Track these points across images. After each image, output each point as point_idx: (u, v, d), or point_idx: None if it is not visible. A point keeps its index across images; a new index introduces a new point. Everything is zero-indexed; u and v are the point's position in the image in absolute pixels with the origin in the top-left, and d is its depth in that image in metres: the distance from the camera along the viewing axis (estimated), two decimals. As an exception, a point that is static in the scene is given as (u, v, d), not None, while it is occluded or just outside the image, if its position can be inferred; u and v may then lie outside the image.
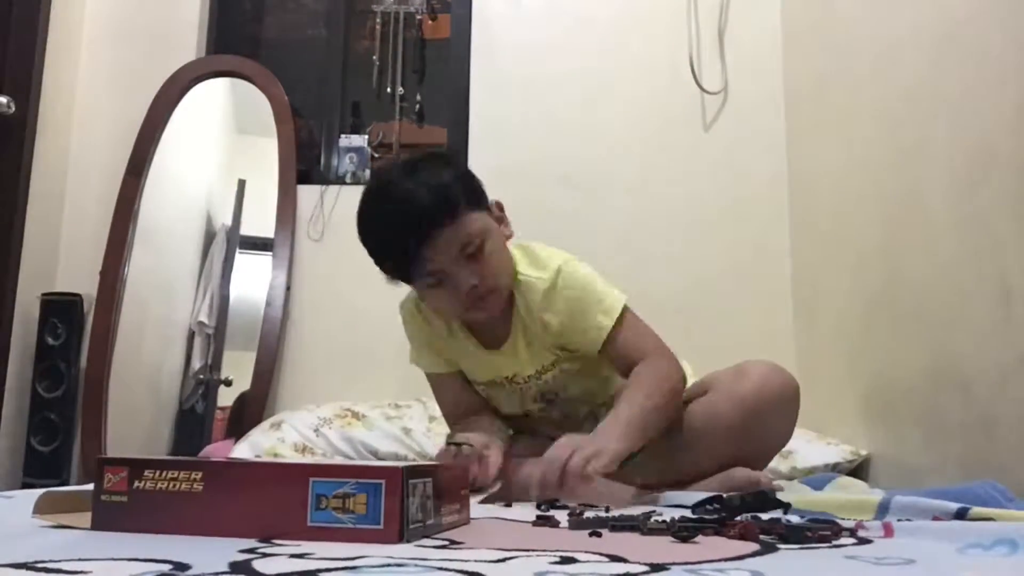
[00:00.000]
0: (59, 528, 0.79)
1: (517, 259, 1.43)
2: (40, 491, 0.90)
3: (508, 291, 1.39)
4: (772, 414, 1.36)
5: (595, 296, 1.40)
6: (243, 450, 2.08)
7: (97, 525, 0.77)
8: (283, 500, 0.73)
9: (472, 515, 0.91)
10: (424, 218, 1.27)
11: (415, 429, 2.10)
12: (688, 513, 0.96)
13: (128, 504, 0.77)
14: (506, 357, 1.44)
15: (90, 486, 0.80)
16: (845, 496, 1.26)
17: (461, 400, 1.52)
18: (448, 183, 1.31)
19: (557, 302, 1.39)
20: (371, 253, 1.34)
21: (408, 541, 0.71)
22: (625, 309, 1.41)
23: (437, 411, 1.68)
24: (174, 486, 0.76)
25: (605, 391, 1.50)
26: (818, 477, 1.79)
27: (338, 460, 1.93)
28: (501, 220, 1.41)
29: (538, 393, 1.48)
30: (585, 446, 1.15)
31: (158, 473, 0.77)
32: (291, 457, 2.01)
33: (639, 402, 1.28)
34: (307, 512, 0.72)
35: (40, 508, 0.83)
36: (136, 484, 0.77)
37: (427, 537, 0.75)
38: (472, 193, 1.34)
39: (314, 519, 0.72)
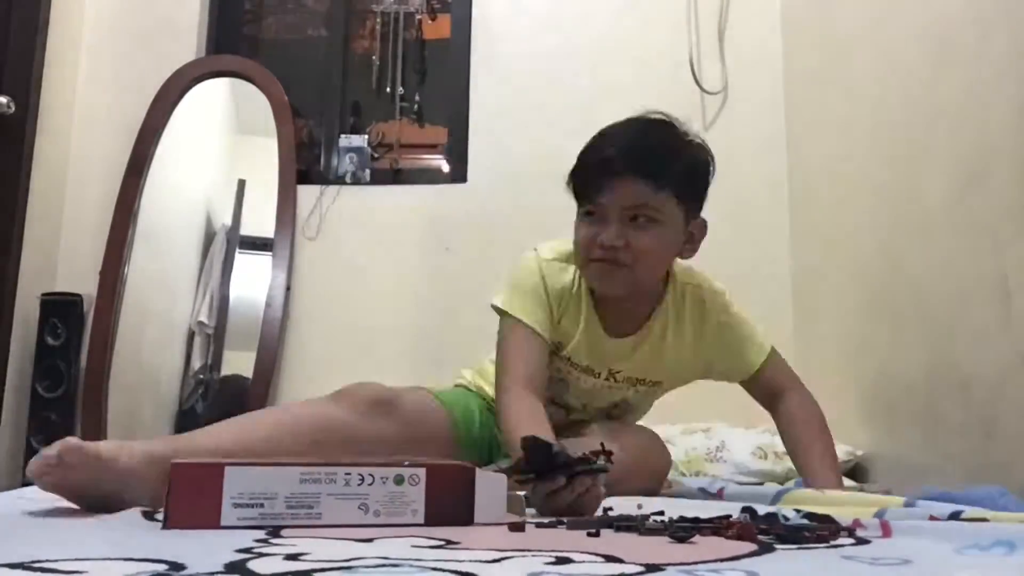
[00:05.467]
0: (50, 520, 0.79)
1: (683, 279, 1.44)
2: None
3: (641, 286, 1.37)
4: (657, 460, 1.42)
5: (751, 330, 1.48)
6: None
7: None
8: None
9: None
10: (630, 159, 1.29)
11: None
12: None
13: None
14: (624, 350, 1.40)
15: None
16: (867, 496, 1.25)
17: (534, 370, 1.35)
18: (678, 160, 1.32)
19: (714, 329, 1.44)
20: (579, 156, 1.37)
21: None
22: (773, 349, 1.50)
23: None
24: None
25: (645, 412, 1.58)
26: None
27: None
28: (690, 237, 1.38)
29: (621, 399, 1.47)
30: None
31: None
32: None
33: (825, 441, 1.41)
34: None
35: None
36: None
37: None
38: (687, 189, 1.33)
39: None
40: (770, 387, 1.48)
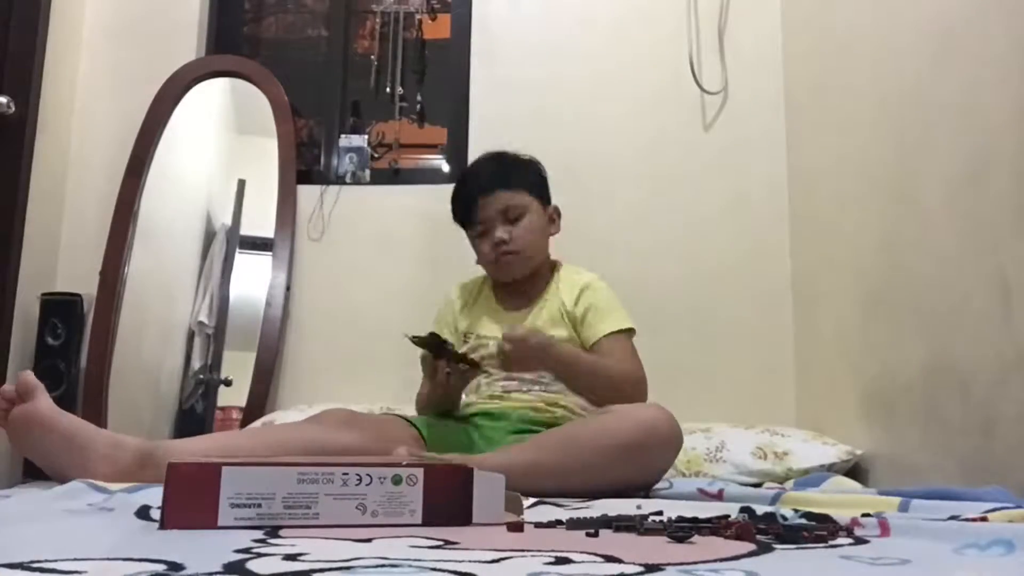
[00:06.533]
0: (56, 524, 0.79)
1: (564, 264, 1.86)
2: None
3: (533, 266, 1.79)
4: (661, 443, 1.40)
5: (613, 309, 1.76)
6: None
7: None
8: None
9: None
10: (488, 178, 1.77)
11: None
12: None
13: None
14: (521, 318, 1.76)
15: None
16: (866, 497, 1.26)
17: None
18: (516, 167, 1.80)
19: (584, 298, 1.76)
20: (451, 201, 1.81)
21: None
22: (630, 331, 1.75)
23: None
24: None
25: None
26: (812, 478, 1.79)
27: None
28: (552, 220, 1.84)
29: None
30: (536, 335, 1.60)
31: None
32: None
33: (591, 359, 1.67)
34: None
35: None
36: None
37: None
38: (534, 185, 1.81)
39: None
40: (608, 355, 1.70)
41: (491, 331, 1.75)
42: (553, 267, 1.86)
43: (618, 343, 1.71)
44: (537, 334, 1.61)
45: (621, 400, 1.52)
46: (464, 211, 1.78)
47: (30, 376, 1.26)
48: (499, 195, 1.74)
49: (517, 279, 1.79)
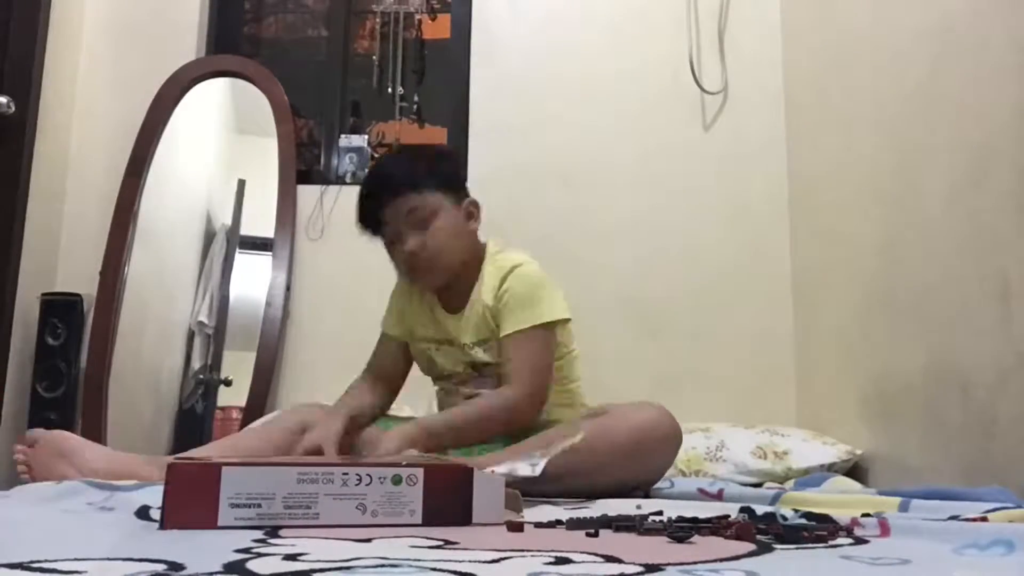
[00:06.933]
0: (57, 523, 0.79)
1: (493, 252, 1.64)
2: None
3: (454, 270, 1.60)
4: (659, 443, 1.43)
5: (526, 303, 1.55)
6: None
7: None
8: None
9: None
10: (386, 184, 1.57)
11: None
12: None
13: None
14: (456, 322, 1.62)
15: None
16: (866, 497, 1.26)
17: (384, 364, 1.71)
18: (417, 165, 1.60)
19: (503, 293, 1.57)
20: (357, 211, 1.61)
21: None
22: (544, 326, 1.55)
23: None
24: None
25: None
26: (813, 477, 1.79)
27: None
28: (471, 216, 1.63)
29: (471, 361, 1.62)
30: (399, 438, 1.38)
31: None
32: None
33: (461, 415, 1.52)
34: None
35: None
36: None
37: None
38: (442, 180, 1.59)
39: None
40: (507, 365, 1.54)
41: (427, 334, 1.66)
42: (482, 260, 1.64)
43: (518, 346, 1.53)
44: (391, 441, 1.39)
45: (521, 422, 1.50)
46: (369, 219, 1.59)
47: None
48: (404, 198, 1.54)
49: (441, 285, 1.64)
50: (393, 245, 1.59)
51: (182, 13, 2.78)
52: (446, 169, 1.64)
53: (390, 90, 2.77)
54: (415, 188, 1.55)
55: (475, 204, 1.65)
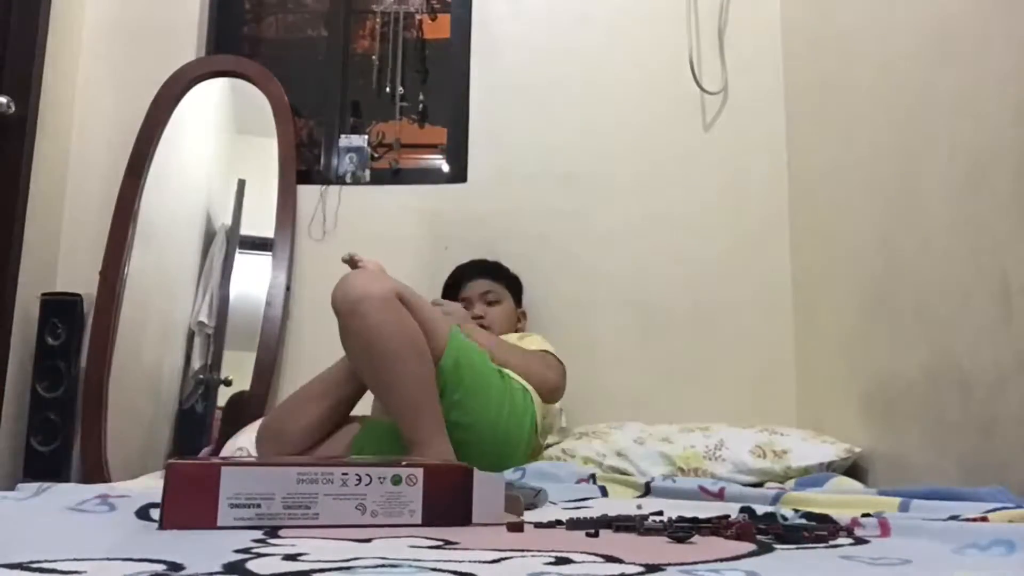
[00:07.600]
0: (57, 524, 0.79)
1: (519, 332, 2.28)
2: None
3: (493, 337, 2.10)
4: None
5: (534, 349, 2.08)
6: (229, 450, 2.08)
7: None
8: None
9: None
10: (481, 268, 2.32)
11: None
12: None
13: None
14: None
15: None
16: (866, 497, 1.26)
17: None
18: (502, 269, 2.35)
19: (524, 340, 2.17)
20: (453, 276, 2.34)
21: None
22: (536, 352, 2.06)
23: None
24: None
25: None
26: (814, 477, 1.79)
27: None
28: (520, 318, 2.34)
29: None
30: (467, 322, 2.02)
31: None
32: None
33: (514, 349, 2.00)
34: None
35: None
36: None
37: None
38: (513, 286, 2.35)
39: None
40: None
41: None
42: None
43: (548, 361, 2.06)
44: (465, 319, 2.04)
45: (548, 392, 1.99)
46: (455, 283, 2.30)
47: None
48: (482, 281, 2.27)
49: None
50: (465, 301, 2.22)
51: (182, 13, 2.78)
52: (517, 285, 2.36)
53: (390, 90, 2.77)
54: (494, 279, 2.29)
55: (524, 315, 2.36)
